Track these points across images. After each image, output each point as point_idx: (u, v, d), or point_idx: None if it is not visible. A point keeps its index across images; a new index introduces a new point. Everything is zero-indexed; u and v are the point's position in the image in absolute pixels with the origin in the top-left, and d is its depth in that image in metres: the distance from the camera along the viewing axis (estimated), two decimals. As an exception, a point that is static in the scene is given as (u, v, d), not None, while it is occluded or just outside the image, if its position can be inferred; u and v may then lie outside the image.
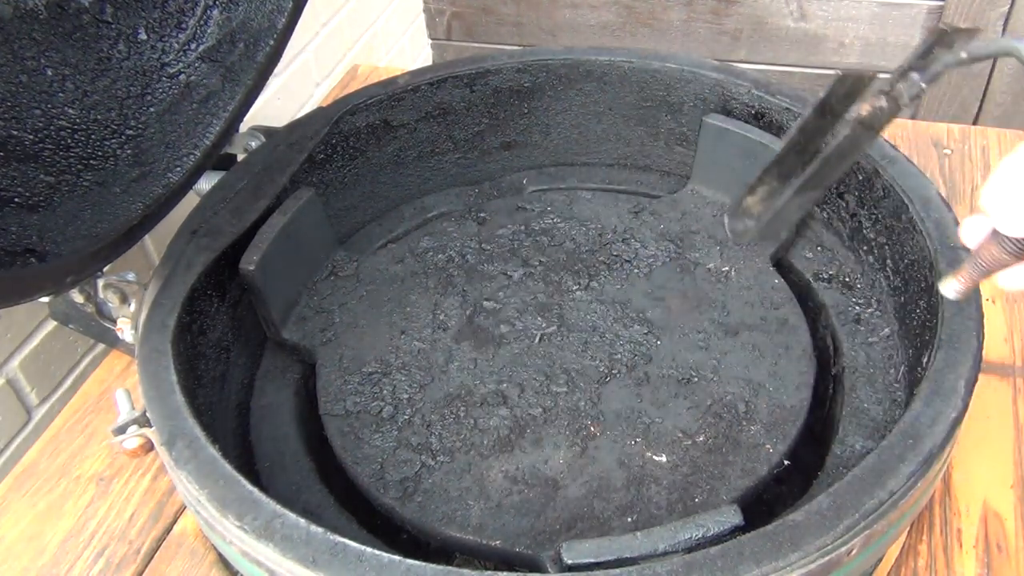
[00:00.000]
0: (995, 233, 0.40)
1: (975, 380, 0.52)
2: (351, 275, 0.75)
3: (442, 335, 0.70)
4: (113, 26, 0.66)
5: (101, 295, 0.67)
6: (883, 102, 0.45)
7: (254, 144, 0.76)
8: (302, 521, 0.46)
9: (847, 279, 0.72)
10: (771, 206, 0.50)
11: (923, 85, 0.45)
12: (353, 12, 1.28)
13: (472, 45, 1.65)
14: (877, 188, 0.67)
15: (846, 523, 0.45)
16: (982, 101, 1.49)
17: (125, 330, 0.67)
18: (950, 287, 0.45)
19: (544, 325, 0.70)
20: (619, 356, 0.67)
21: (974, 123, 1.54)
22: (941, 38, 0.43)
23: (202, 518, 0.50)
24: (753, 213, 0.52)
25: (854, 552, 0.46)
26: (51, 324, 0.79)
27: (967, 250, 0.43)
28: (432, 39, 1.66)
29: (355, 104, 0.77)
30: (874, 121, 0.46)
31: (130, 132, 0.65)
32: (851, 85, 0.49)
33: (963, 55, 0.42)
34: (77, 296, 0.68)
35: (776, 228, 0.51)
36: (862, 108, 0.46)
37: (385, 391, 0.65)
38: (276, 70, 0.73)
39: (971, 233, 0.42)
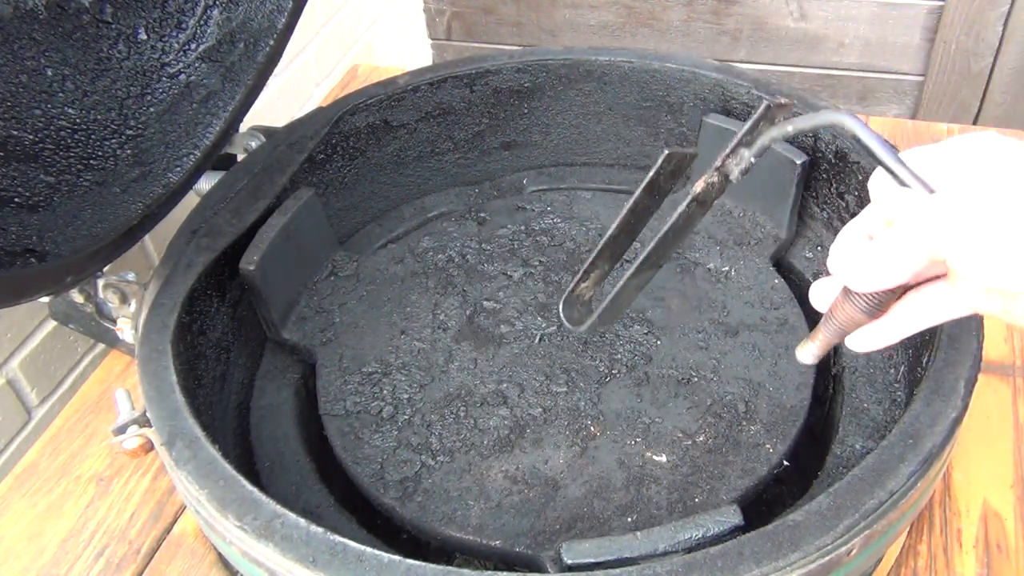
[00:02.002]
0: (845, 292, 0.41)
1: (975, 380, 0.52)
2: (351, 275, 0.75)
3: (442, 335, 0.70)
4: (113, 26, 0.66)
5: (101, 295, 0.67)
6: (715, 178, 0.48)
7: (254, 144, 0.76)
8: (302, 521, 0.46)
9: (847, 279, 0.72)
10: (603, 290, 0.51)
11: (752, 160, 0.47)
12: (353, 12, 1.29)
13: (472, 45, 1.65)
14: (877, 188, 0.67)
15: (846, 523, 0.45)
16: (982, 101, 1.50)
17: (125, 330, 0.67)
18: (806, 352, 0.45)
19: (544, 325, 0.70)
20: (619, 356, 0.67)
21: (974, 123, 1.54)
22: (765, 113, 0.46)
23: (202, 518, 0.50)
24: (587, 298, 0.54)
25: (854, 552, 0.46)
26: (51, 324, 0.79)
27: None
28: (432, 39, 1.66)
29: (355, 104, 0.78)
30: (707, 197, 0.49)
31: (130, 132, 0.65)
32: (676, 163, 0.53)
33: (789, 128, 0.43)
34: (77, 296, 0.68)
35: (614, 312, 0.51)
36: (696, 185, 0.48)
37: (385, 391, 0.65)
38: (276, 70, 0.73)
39: (821, 295, 0.43)
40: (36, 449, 0.69)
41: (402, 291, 0.74)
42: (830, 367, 0.68)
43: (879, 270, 0.37)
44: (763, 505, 0.60)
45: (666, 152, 0.51)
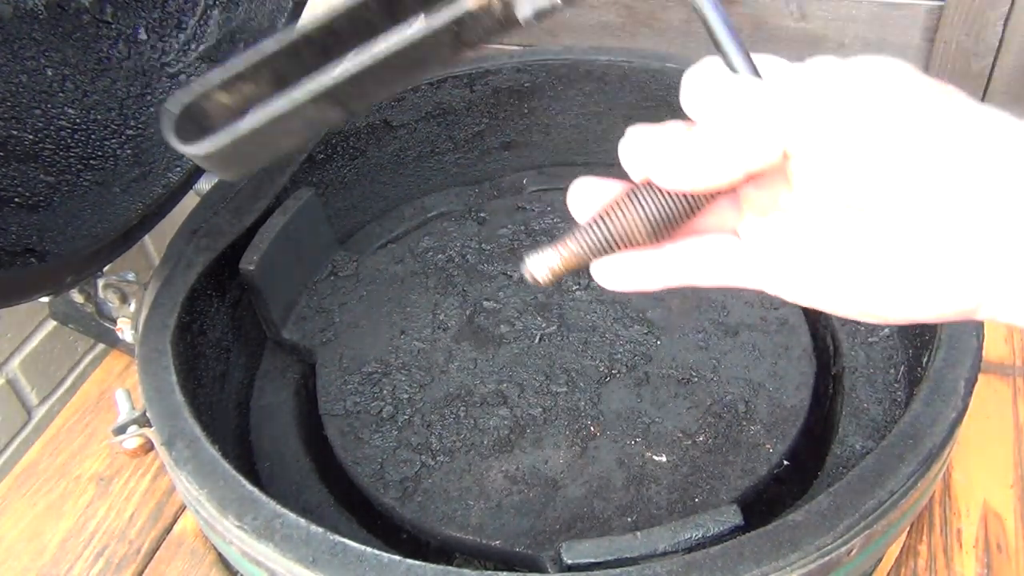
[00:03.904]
0: (633, 194, 0.33)
1: (975, 380, 0.52)
2: (351, 275, 0.75)
3: (442, 335, 0.70)
4: (113, 26, 0.66)
5: (101, 295, 0.67)
6: (497, 9, 0.31)
7: (254, 144, 0.76)
8: (302, 521, 0.46)
9: (847, 279, 0.72)
10: (250, 114, 0.30)
11: (559, 1, 0.32)
12: (353, 12, 1.28)
13: (472, 45, 1.65)
14: (877, 188, 0.67)
15: (846, 523, 0.45)
16: (982, 101, 1.50)
17: (125, 330, 0.67)
18: (541, 264, 0.34)
19: (544, 325, 0.69)
20: (619, 356, 0.67)
21: (974, 123, 1.54)
22: None
23: (202, 518, 0.50)
24: (220, 112, 0.32)
25: (854, 552, 0.46)
26: (51, 324, 0.79)
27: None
28: (432, 39, 1.66)
29: (355, 104, 0.77)
30: (476, 26, 0.31)
31: (130, 132, 0.65)
32: None
33: None
34: (77, 296, 0.68)
35: (247, 148, 0.30)
36: (468, 2, 0.30)
37: (385, 391, 0.65)
38: (276, 70, 0.73)
39: (584, 199, 0.34)
40: (36, 449, 0.69)
41: (402, 291, 0.74)
42: (830, 367, 0.68)
43: (703, 157, 0.29)
44: (763, 505, 0.60)
45: None
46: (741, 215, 0.32)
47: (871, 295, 0.27)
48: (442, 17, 0.30)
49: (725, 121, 0.29)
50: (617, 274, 0.32)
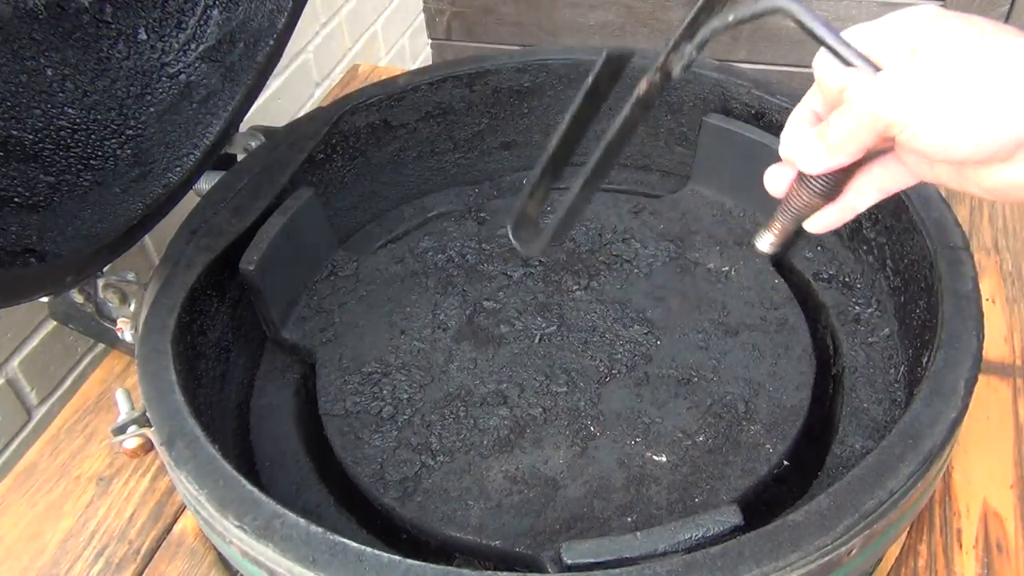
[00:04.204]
0: (800, 177, 0.41)
1: (975, 380, 0.52)
2: (351, 275, 0.75)
3: (442, 335, 0.70)
4: (113, 26, 0.66)
5: (101, 295, 0.67)
6: (657, 76, 0.46)
7: (254, 144, 0.76)
8: (302, 521, 0.46)
9: (847, 279, 0.72)
10: (552, 207, 0.49)
11: (694, 53, 0.45)
12: (353, 12, 1.29)
13: (472, 45, 1.65)
14: (877, 188, 0.67)
15: (846, 523, 0.45)
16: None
17: (125, 330, 0.67)
18: (764, 241, 0.46)
19: (544, 325, 0.69)
20: (619, 356, 0.67)
21: (974, 123, 1.54)
22: (705, 5, 0.44)
23: (202, 518, 0.50)
24: (535, 219, 0.51)
25: (854, 552, 0.46)
26: (51, 324, 0.79)
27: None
28: (432, 39, 1.66)
29: (355, 104, 0.77)
30: (650, 97, 0.47)
31: (130, 132, 0.65)
32: (615, 65, 0.49)
33: (730, 18, 0.42)
34: (77, 296, 0.68)
35: (566, 227, 0.48)
36: (640, 86, 0.46)
37: (385, 391, 0.65)
38: (276, 70, 0.73)
39: (776, 181, 0.43)
40: (36, 449, 0.69)
41: (402, 291, 0.74)
42: (830, 367, 0.68)
43: (830, 150, 0.38)
44: (763, 505, 0.60)
45: (606, 53, 0.48)
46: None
47: (964, 134, 0.35)
48: (628, 102, 0.47)
49: (840, 118, 0.37)
50: (818, 227, 0.43)
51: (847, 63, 0.37)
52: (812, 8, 0.40)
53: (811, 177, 0.41)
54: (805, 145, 0.39)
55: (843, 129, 0.37)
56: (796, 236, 0.46)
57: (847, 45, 0.37)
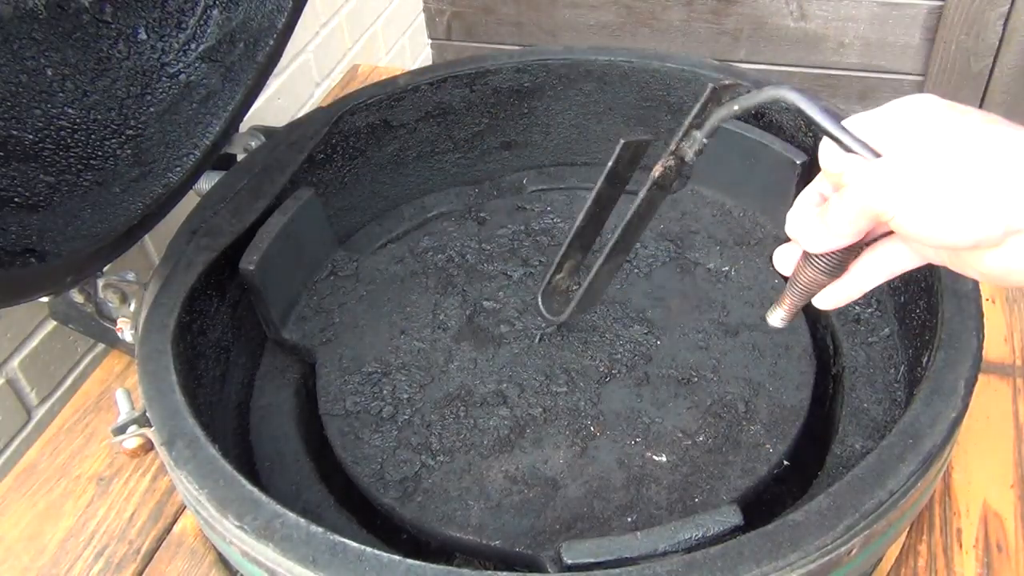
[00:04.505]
0: (805, 256, 0.43)
1: (975, 380, 0.52)
2: (351, 275, 0.75)
3: (442, 335, 0.70)
4: (113, 26, 0.66)
5: (101, 295, 0.67)
6: (671, 161, 0.50)
7: (254, 144, 0.76)
8: (302, 521, 0.46)
9: (847, 279, 0.72)
10: (579, 279, 0.54)
11: (704, 140, 0.48)
12: (353, 12, 1.29)
13: (472, 45, 1.65)
14: (877, 188, 0.67)
15: (846, 523, 0.45)
16: (982, 101, 1.49)
17: (125, 330, 0.67)
18: (776, 317, 0.48)
19: (544, 325, 0.69)
20: (619, 356, 0.67)
21: (974, 123, 1.53)
22: (712, 96, 0.47)
23: (202, 518, 0.50)
24: (563, 289, 0.56)
25: (854, 552, 0.46)
26: (51, 324, 0.79)
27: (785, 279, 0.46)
28: (432, 39, 1.66)
29: (355, 104, 0.77)
30: (665, 180, 0.51)
31: (130, 132, 0.65)
32: (634, 151, 0.54)
33: (735, 107, 0.45)
34: (77, 296, 0.68)
35: (591, 299, 0.54)
36: (655, 171, 0.50)
37: (385, 391, 0.65)
38: (276, 70, 0.73)
39: (784, 260, 0.45)
40: (36, 449, 0.69)
41: (402, 291, 0.74)
42: (830, 367, 0.68)
43: (830, 232, 0.40)
44: (763, 505, 0.60)
45: (623, 142, 0.53)
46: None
47: (949, 221, 0.36)
48: (646, 186, 0.52)
49: (838, 202, 0.39)
50: (826, 303, 0.45)
51: (848, 149, 0.39)
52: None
53: (816, 255, 0.42)
54: (808, 225, 0.41)
55: (840, 213, 0.39)
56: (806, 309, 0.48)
57: (847, 131, 0.39)
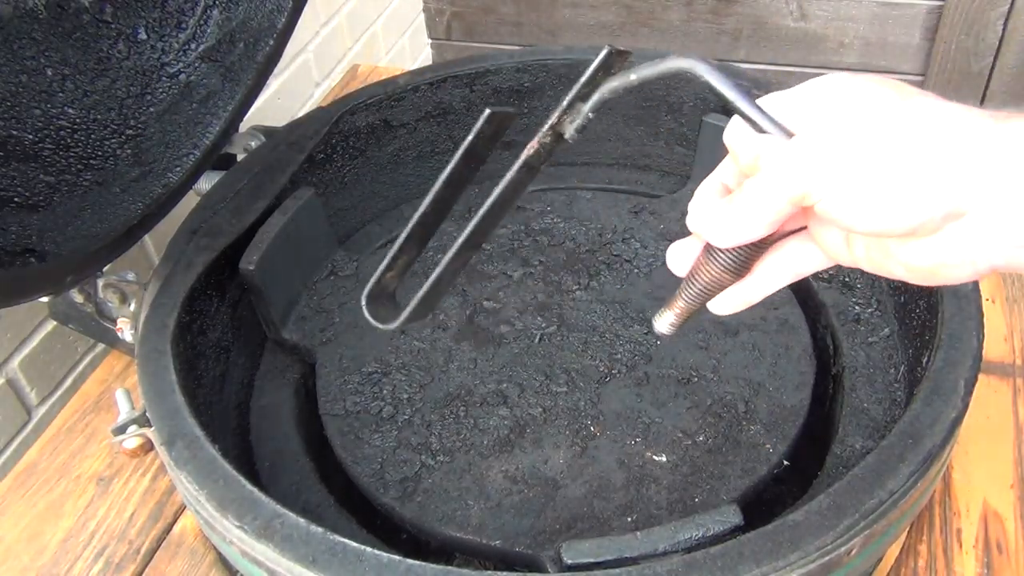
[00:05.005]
0: (707, 251, 0.39)
1: (975, 380, 0.52)
2: (351, 275, 0.75)
3: (442, 335, 0.70)
4: (113, 26, 0.66)
5: (101, 295, 0.67)
6: (548, 138, 0.42)
7: (254, 144, 0.76)
8: (302, 521, 0.46)
9: (847, 279, 0.72)
10: (415, 278, 0.43)
11: (589, 115, 0.42)
12: (353, 12, 1.28)
13: (472, 45, 1.65)
14: (877, 188, 0.67)
15: (846, 523, 0.45)
16: (982, 101, 1.49)
17: (125, 330, 0.67)
18: (663, 322, 0.43)
19: (544, 325, 0.69)
20: (619, 356, 0.67)
21: (974, 123, 1.53)
22: (603, 63, 0.40)
23: (202, 518, 0.50)
24: (392, 291, 0.46)
25: (854, 552, 0.46)
26: (51, 324, 0.79)
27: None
28: (432, 39, 1.66)
29: (355, 104, 0.77)
30: (537, 160, 0.43)
31: (130, 132, 0.65)
32: (497, 125, 0.45)
33: (632, 77, 0.39)
34: (77, 296, 0.68)
35: (431, 302, 0.44)
36: (528, 147, 0.42)
37: (385, 391, 0.65)
38: (276, 70, 0.73)
39: (679, 258, 0.40)
40: (36, 449, 0.69)
41: (402, 291, 0.73)
42: (830, 367, 0.68)
43: (743, 222, 0.35)
44: (763, 505, 0.60)
45: (488, 111, 0.43)
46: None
47: (888, 204, 0.32)
48: (516, 163, 0.42)
49: (753, 187, 0.34)
50: (724, 308, 0.41)
51: (761, 130, 0.34)
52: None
53: (719, 251, 0.38)
54: (716, 217, 0.36)
55: (756, 199, 0.34)
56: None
57: (761, 111, 0.34)
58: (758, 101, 0.35)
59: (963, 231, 0.32)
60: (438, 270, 0.43)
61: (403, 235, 0.44)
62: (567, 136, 0.42)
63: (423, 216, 0.45)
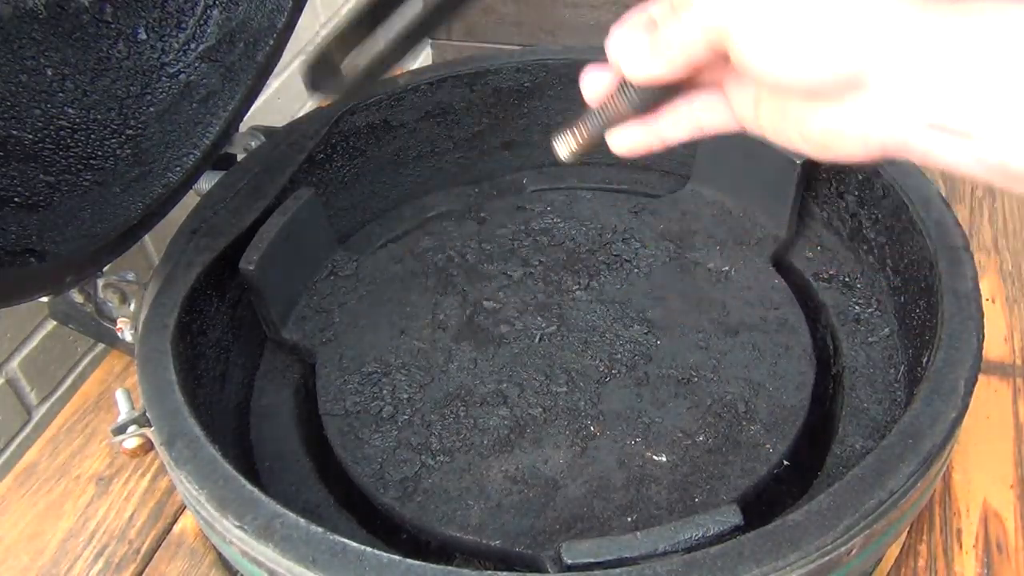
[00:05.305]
0: (620, 84, 0.39)
1: (975, 380, 0.52)
2: (351, 275, 0.75)
3: (442, 335, 0.70)
4: (113, 26, 0.66)
5: (101, 295, 0.67)
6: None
7: (254, 144, 0.76)
8: (302, 521, 0.46)
9: (847, 279, 0.72)
10: (364, 56, 0.43)
11: None
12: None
13: (472, 45, 1.65)
14: (877, 188, 0.67)
15: (846, 523, 0.45)
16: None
17: (125, 330, 0.67)
18: (563, 145, 0.43)
19: (544, 325, 0.69)
20: (619, 356, 0.67)
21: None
22: None
23: (202, 518, 0.50)
24: (337, 63, 0.44)
25: (854, 552, 0.46)
26: (51, 324, 0.79)
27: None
28: (432, 39, 1.66)
29: (355, 104, 0.77)
30: None
31: (130, 132, 0.65)
32: None
33: None
34: (77, 296, 0.68)
35: (366, 81, 0.42)
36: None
37: (385, 391, 0.65)
38: (276, 70, 0.73)
39: (593, 87, 0.40)
40: (36, 449, 0.69)
41: (402, 291, 0.74)
42: (830, 367, 0.68)
43: (660, 55, 0.35)
44: (763, 505, 0.60)
45: None
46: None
47: (794, 51, 0.32)
48: None
49: (673, 20, 0.35)
50: (623, 145, 0.41)
51: None
52: None
53: (631, 85, 0.38)
54: (634, 46, 0.36)
55: (674, 33, 0.34)
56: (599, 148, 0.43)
57: None
58: None
59: (861, 102, 0.32)
60: (383, 47, 0.43)
61: (356, 14, 0.43)
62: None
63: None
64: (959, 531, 0.60)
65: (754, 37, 0.32)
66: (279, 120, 0.82)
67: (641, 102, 0.39)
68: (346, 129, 0.78)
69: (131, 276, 0.68)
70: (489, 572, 0.47)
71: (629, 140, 0.41)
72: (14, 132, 0.59)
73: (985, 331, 0.55)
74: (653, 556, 0.46)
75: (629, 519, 0.56)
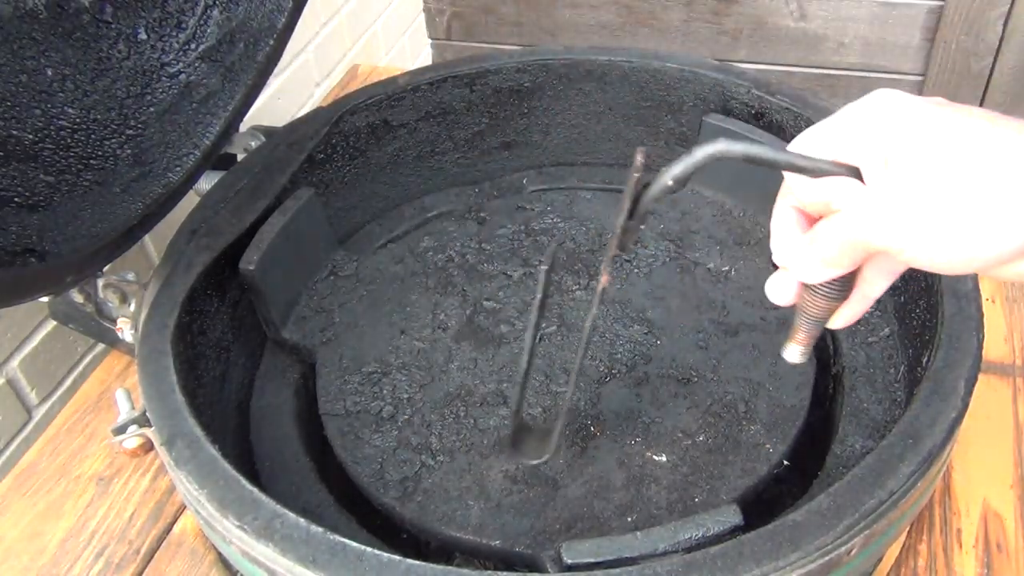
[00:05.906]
0: (806, 287, 0.41)
1: (975, 380, 0.52)
2: (351, 275, 0.75)
3: (442, 335, 0.70)
4: (113, 26, 0.66)
5: (101, 295, 0.67)
6: (611, 267, 0.49)
7: (254, 144, 0.76)
8: (302, 521, 0.46)
9: (847, 279, 0.72)
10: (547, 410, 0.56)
11: (641, 227, 0.45)
12: (353, 12, 1.29)
13: (472, 45, 1.65)
14: (877, 188, 0.67)
15: (846, 523, 0.45)
16: (982, 101, 1.49)
17: (125, 330, 0.67)
18: (793, 352, 0.46)
19: (544, 325, 0.69)
20: (619, 356, 0.67)
21: (974, 123, 1.53)
22: (637, 184, 0.44)
23: (202, 518, 0.50)
24: (528, 425, 0.57)
25: (854, 552, 0.46)
26: (51, 324, 0.79)
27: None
28: (432, 39, 1.66)
29: (355, 104, 0.77)
30: (610, 286, 0.50)
31: (130, 132, 0.65)
32: (552, 257, 0.54)
33: (668, 183, 0.41)
34: (77, 296, 0.68)
35: (566, 425, 0.52)
36: (602, 281, 0.47)
37: (385, 391, 0.65)
38: (276, 70, 0.73)
39: (780, 291, 0.42)
40: (36, 449, 0.69)
41: (402, 291, 0.74)
42: (830, 367, 0.68)
43: (826, 264, 0.37)
44: (763, 505, 0.60)
45: (545, 268, 0.53)
46: None
47: (961, 244, 0.33)
48: (595, 300, 0.48)
49: (830, 234, 0.36)
50: (841, 324, 0.43)
51: (818, 173, 0.35)
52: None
53: (818, 285, 0.40)
54: (799, 256, 0.38)
55: (835, 247, 0.36)
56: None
57: (808, 158, 0.35)
58: (801, 140, 0.36)
59: None
60: (566, 402, 0.54)
61: (522, 380, 0.55)
62: (627, 250, 0.46)
63: (529, 354, 0.54)
64: (959, 531, 0.60)
65: (921, 249, 0.33)
66: (279, 120, 0.82)
67: (833, 293, 0.41)
68: (346, 129, 0.78)
69: (131, 276, 0.68)
70: (489, 572, 0.47)
71: (845, 319, 0.43)
72: (14, 132, 0.59)
73: (985, 331, 0.55)
74: (653, 556, 0.46)
75: (629, 519, 0.56)
